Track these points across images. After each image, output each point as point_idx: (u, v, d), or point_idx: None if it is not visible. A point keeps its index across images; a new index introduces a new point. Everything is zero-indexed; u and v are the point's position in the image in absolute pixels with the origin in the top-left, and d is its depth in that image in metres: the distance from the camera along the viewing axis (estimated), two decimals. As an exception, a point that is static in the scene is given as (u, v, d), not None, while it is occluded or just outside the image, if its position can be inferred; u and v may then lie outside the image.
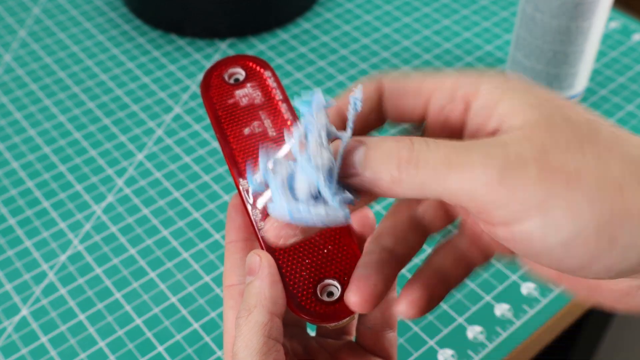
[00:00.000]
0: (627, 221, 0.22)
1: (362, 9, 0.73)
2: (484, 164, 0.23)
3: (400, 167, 0.24)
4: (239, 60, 0.37)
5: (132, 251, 0.52)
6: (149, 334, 0.47)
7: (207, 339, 0.47)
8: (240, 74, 0.37)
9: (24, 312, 0.49)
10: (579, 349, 0.77)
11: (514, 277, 0.50)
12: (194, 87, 0.65)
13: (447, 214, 0.31)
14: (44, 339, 0.47)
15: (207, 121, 0.61)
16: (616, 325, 1.25)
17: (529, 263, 0.30)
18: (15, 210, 0.55)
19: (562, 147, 0.23)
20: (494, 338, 0.47)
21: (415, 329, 0.48)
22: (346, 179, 0.25)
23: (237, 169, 0.34)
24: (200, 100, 0.63)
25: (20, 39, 0.70)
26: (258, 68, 0.37)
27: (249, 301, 0.30)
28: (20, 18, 0.72)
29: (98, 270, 0.51)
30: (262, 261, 0.31)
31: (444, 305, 0.49)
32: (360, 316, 0.34)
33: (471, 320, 0.48)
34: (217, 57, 0.68)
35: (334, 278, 0.32)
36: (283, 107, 0.36)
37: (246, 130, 0.35)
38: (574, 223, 0.22)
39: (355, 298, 0.28)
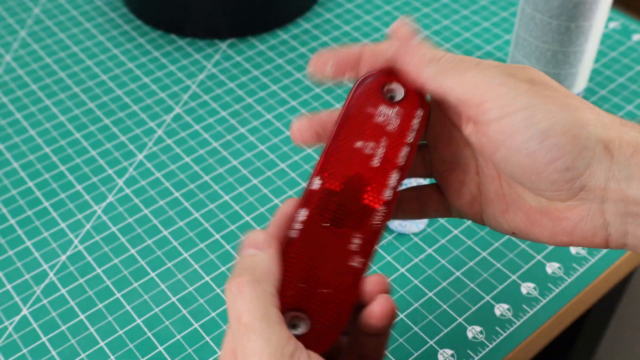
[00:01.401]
0: (585, 127, 0.31)
1: (362, 9, 0.73)
2: (496, 68, 0.32)
3: (445, 55, 0.34)
4: (409, 82, 0.35)
5: (132, 251, 0.52)
6: (149, 334, 0.47)
7: (207, 338, 0.47)
8: (399, 94, 0.35)
9: (24, 312, 0.49)
10: (578, 349, 0.77)
11: (513, 277, 0.50)
12: (194, 87, 0.65)
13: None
14: (44, 339, 0.47)
15: (208, 121, 0.62)
16: (616, 325, 1.25)
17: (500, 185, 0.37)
18: (15, 210, 0.55)
19: (541, 84, 0.32)
20: (493, 338, 0.47)
21: (415, 329, 0.48)
22: (400, 40, 0.35)
23: (321, 168, 0.34)
24: (200, 100, 0.64)
25: (21, 39, 0.70)
26: (416, 101, 0.35)
27: (255, 271, 0.30)
28: (21, 18, 0.72)
29: (98, 270, 0.51)
30: (269, 240, 0.32)
31: (444, 305, 0.49)
32: (348, 346, 0.35)
33: (471, 320, 0.48)
34: (217, 57, 0.68)
35: (305, 312, 0.32)
36: (403, 150, 0.34)
37: (358, 144, 0.34)
38: (549, 119, 0.31)
39: None
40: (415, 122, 0.35)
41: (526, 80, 0.32)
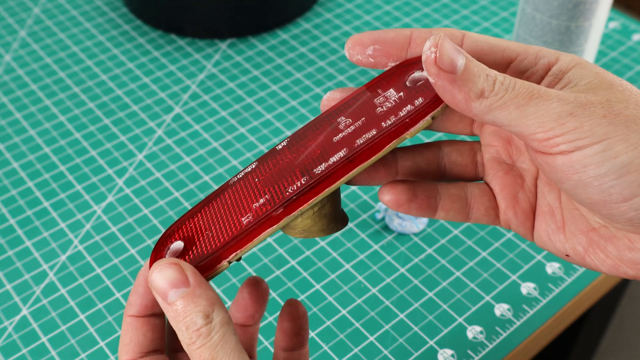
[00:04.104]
0: None
1: (362, 9, 0.73)
2: (560, 100, 0.27)
3: (495, 85, 0.28)
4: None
5: (132, 251, 0.52)
6: (149, 334, 0.47)
7: (207, 339, 0.47)
8: (422, 80, 0.30)
9: (24, 312, 0.49)
10: (578, 349, 0.77)
11: (513, 277, 0.50)
12: (194, 87, 0.65)
13: (468, 166, 0.34)
14: (44, 339, 0.47)
15: (208, 121, 0.62)
16: (616, 326, 1.25)
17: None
18: (15, 210, 0.55)
19: (622, 100, 0.28)
20: (493, 338, 0.47)
21: (415, 329, 0.48)
22: (437, 78, 0.28)
23: (297, 136, 0.31)
24: (200, 100, 0.64)
25: (21, 39, 0.70)
26: (427, 92, 0.30)
27: (201, 307, 0.28)
28: (21, 18, 0.72)
29: (98, 270, 0.51)
30: (186, 269, 0.29)
31: (444, 305, 0.49)
32: (278, 340, 0.36)
33: (471, 320, 0.48)
34: (217, 57, 0.68)
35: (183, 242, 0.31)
36: (370, 133, 0.30)
37: (340, 118, 0.30)
38: (630, 152, 0.26)
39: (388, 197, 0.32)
40: (405, 110, 0.29)
41: (602, 103, 0.27)
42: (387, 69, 0.31)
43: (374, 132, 0.29)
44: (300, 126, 0.61)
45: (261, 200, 0.30)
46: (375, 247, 0.52)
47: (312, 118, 0.31)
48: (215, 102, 0.63)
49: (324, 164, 0.30)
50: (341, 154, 0.29)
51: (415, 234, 0.53)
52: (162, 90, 0.65)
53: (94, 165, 0.58)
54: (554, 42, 0.57)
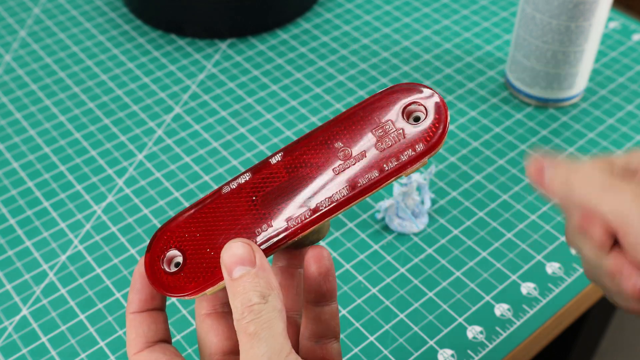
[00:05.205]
0: None
1: (362, 9, 0.73)
2: (634, 192, 0.30)
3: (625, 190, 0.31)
4: (441, 109, 0.31)
5: (132, 251, 0.52)
6: (149, 334, 0.47)
7: (207, 339, 0.47)
8: (421, 115, 0.31)
9: (24, 312, 0.49)
10: (578, 349, 0.77)
11: (513, 277, 0.50)
12: (194, 87, 0.65)
13: None
14: (44, 339, 0.47)
15: (208, 121, 0.62)
16: (616, 326, 1.25)
17: None
18: (15, 210, 0.55)
19: None
20: (493, 338, 0.47)
21: (415, 328, 0.48)
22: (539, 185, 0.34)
23: (291, 148, 0.32)
24: (200, 100, 0.64)
25: (21, 39, 0.70)
26: (428, 135, 0.31)
27: (260, 288, 0.29)
28: (21, 18, 0.72)
29: (98, 270, 0.51)
30: (255, 252, 0.30)
31: (444, 305, 0.49)
32: (305, 329, 0.35)
33: (471, 320, 0.48)
34: (217, 57, 0.68)
35: (183, 254, 0.32)
36: (370, 175, 0.31)
37: (338, 144, 0.32)
38: None
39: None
40: (406, 155, 0.31)
41: None
42: (382, 90, 0.33)
43: (376, 174, 0.31)
44: (299, 126, 0.61)
45: (263, 226, 0.31)
46: (375, 247, 0.52)
47: (307, 130, 0.32)
48: (215, 102, 0.63)
49: (326, 199, 0.31)
50: (344, 192, 0.31)
51: (415, 234, 0.53)
52: (162, 90, 0.65)
53: (94, 165, 0.58)
54: (554, 42, 0.57)
